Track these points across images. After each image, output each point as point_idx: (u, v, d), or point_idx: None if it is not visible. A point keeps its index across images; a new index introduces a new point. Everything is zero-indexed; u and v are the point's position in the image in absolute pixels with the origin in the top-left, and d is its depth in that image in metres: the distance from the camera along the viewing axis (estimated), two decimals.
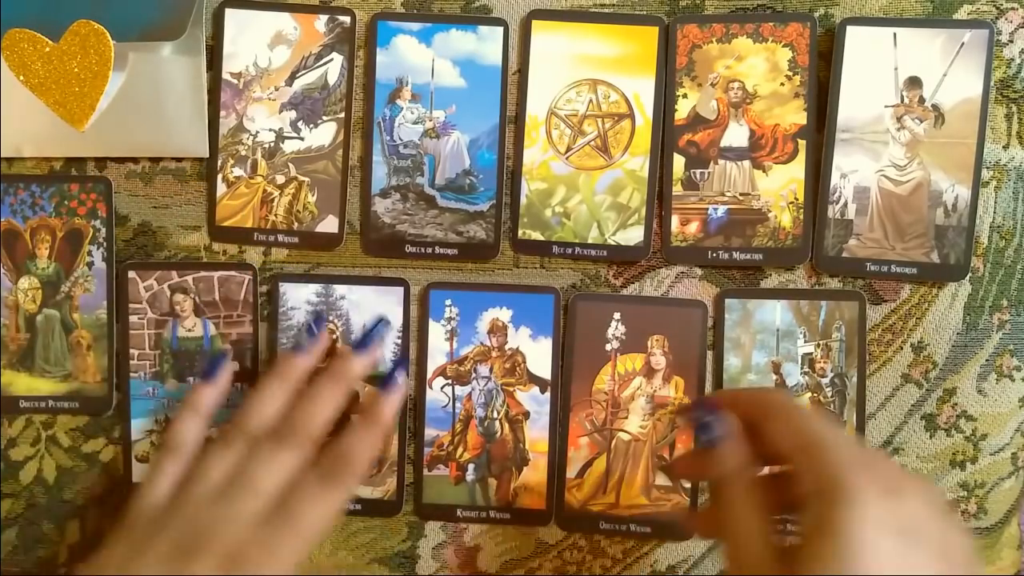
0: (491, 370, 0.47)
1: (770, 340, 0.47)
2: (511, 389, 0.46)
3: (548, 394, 0.46)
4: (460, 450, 0.47)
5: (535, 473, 0.46)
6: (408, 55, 0.47)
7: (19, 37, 0.46)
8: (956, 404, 0.48)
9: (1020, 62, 0.46)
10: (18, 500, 0.49)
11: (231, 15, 0.48)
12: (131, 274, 0.48)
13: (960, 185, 0.46)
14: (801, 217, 0.47)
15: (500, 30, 0.47)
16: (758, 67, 0.46)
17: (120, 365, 0.48)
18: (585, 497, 0.48)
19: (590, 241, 0.47)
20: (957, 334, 0.47)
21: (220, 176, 0.48)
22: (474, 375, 0.47)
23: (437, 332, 0.47)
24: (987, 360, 0.48)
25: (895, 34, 0.45)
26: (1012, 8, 0.46)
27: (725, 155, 0.47)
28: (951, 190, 0.46)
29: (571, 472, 0.48)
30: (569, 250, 0.47)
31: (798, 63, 0.46)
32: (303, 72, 0.48)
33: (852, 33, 0.45)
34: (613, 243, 0.47)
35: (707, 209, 0.47)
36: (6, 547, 0.49)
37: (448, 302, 0.46)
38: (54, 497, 0.49)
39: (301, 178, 0.48)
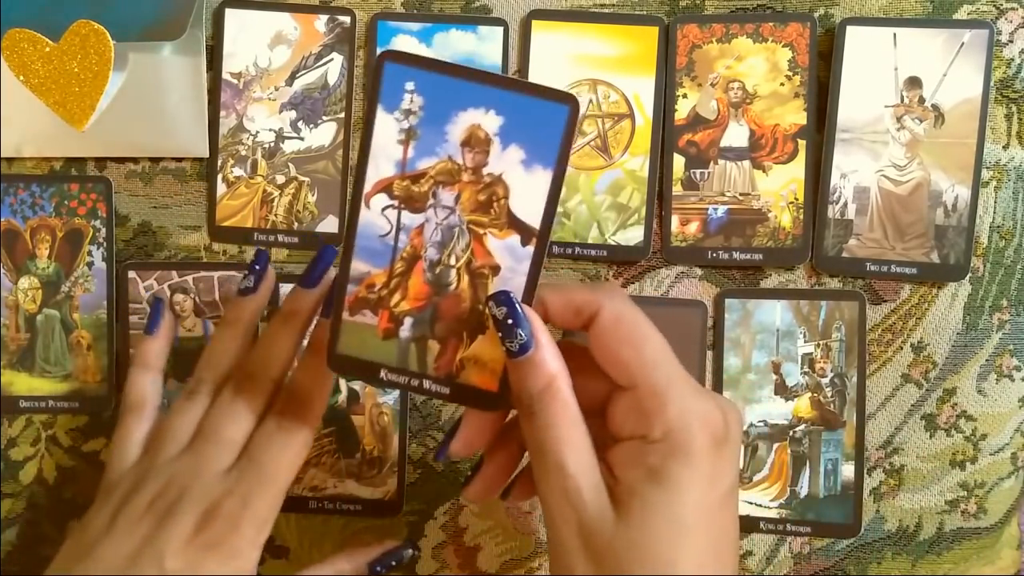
0: (457, 199, 0.33)
1: (770, 340, 0.47)
2: (481, 231, 0.33)
3: (531, 248, 0.33)
4: (397, 297, 0.35)
5: (492, 346, 0.33)
6: None
7: (19, 37, 0.46)
8: (956, 404, 0.48)
9: (1020, 62, 0.46)
10: (18, 500, 0.49)
11: (231, 15, 0.48)
12: (131, 274, 0.48)
13: (960, 185, 0.46)
14: (801, 217, 0.47)
15: (500, 30, 0.47)
16: (758, 67, 0.46)
17: (120, 365, 0.48)
18: None
19: (590, 241, 0.47)
20: (957, 334, 0.48)
21: (220, 176, 0.48)
22: (432, 201, 0.34)
23: (387, 127, 0.33)
24: (987, 360, 0.48)
25: (895, 34, 0.45)
26: (1012, 8, 0.46)
27: (725, 155, 0.47)
28: (951, 190, 0.46)
29: None
30: (569, 250, 0.47)
31: (798, 63, 0.46)
32: (303, 72, 0.48)
33: (852, 33, 0.45)
34: (613, 243, 0.47)
35: (707, 209, 0.47)
36: (6, 547, 0.49)
37: (410, 85, 0.32)
38: (54, 497, 0.49)
39: (301, 178, 0.48)
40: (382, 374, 0.35)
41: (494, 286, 0.33)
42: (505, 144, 0.32)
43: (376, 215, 0.34)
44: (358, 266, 0.34)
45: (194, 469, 0.36)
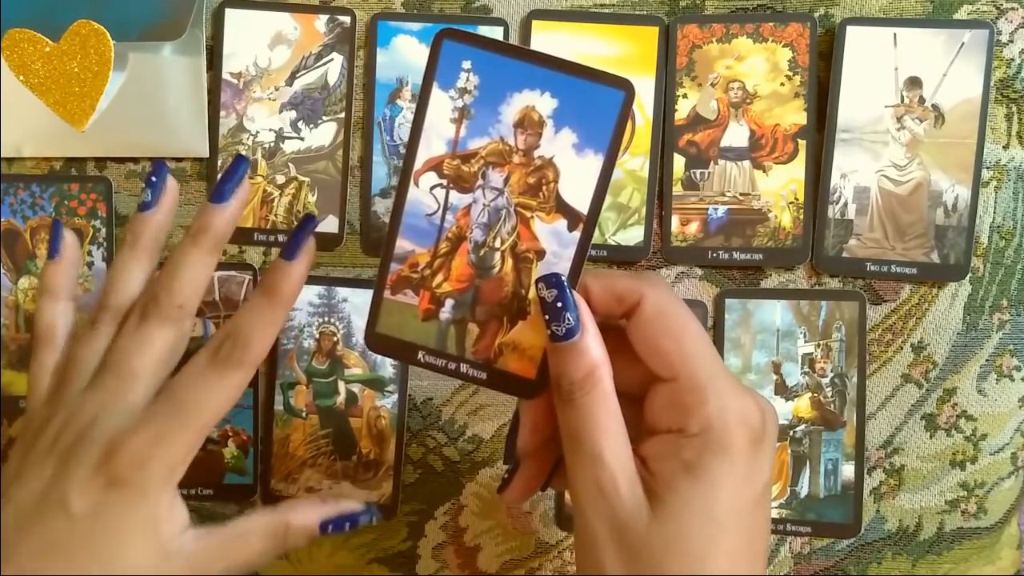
0: (506, 180, 0.33)
1: (770, 340, 0.47)
2: (529, 214, 0.33)
3: (578, 234, 0.32)
4: (439, 278, 0.34)
5: (532, 332, 0.33)
6: (408, 55, 0.47)
7: (19, 37, 0.46)
8: (956, 404, 0.48)
9: (1020, 62, 0.46)
10: None
11: (231, 15, 0.48)
12: None
13: (960, 185, 0.46)
14: (801, 217, 0.47)
15: (500, 30, 0.47)
16: (758, 67, 0.46)
17: None
18: None
19: None
20: (957, 334, 0.48)
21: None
22: (481, 182, 0.33)
23: (441, 105, 0.33)
24: (987, 360, 0.48)
25: (895, 34, 0.45)
26: (1012, 8, 0.46)
27: (725, 155, 0.47)
28: (951, 190, 0.46)
29: None
30: None
31: (798, 63, 0.46)
32: (303, 72, 0.48)
33: (852, 33, 0.45)
34: (613, 243, 0.47)
35: (707, 209, 0.47)
36: None
37: (467, 64, 0.32)
38: None
39: (301, 178, 0.48)
40: (420, 356, 0.34)
41: (538, 271, 0.33)
42: (558, 127, 0.32)
43: (424, 193, 0.33)
44: (403, 244, 0.34)
45: (99, 403, 0.33)
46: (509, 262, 0.34)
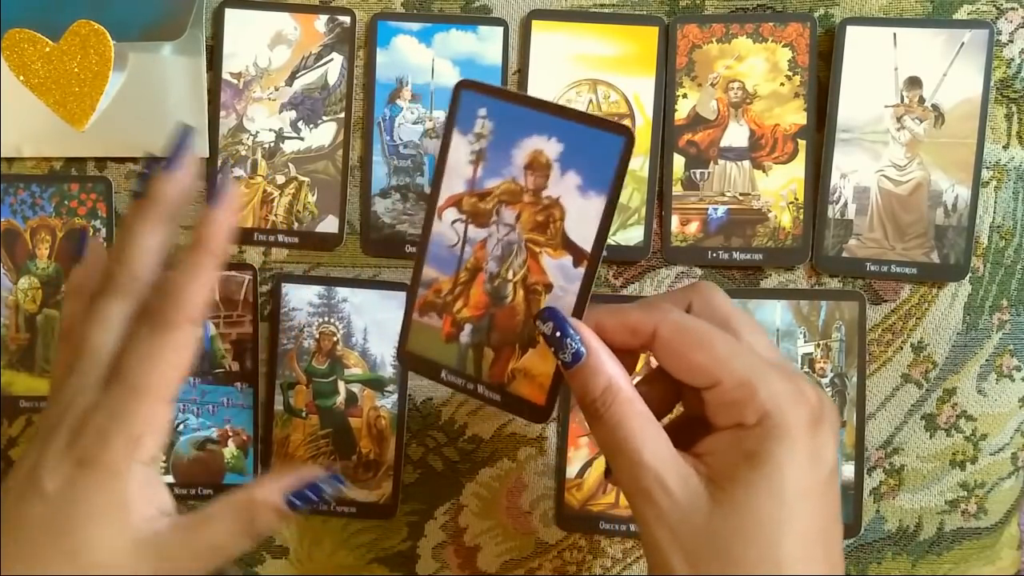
0: (517, 217, 0.36)
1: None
2: (538, 250, 0.35)
3: (582, 270, 0.34)
4: (459, 304, 0.37)
5: (541, 360, 0.36)
6: (408, 55, 0.47)
7: (19, 37, 0.46)
8: (956, 404, 0.48)
9: (1020, 62, 0.46)
10: None
11: (231, 15, 0.48)
12: None
13: (960, 185, 0.46)
14: (801, 217, 0.47)
15: (500, 30, 0.47)
16: (758, 67, 0.46)
17: None
18: (585, 497, 0.48)
19: None
20: (957, 334, 0.48)
21: (220, 176, 0.48)
22: (495, 218, 0.36)
23: (461, 148, 0.36)
24: (987, 360, 0.48)
25: (895, 34, 0.45)
26: (1012, 8, 0.46)
27: (725, 155, 0.47)
28: (951, 190, 0.46)
29: (571, 472, 0.48)
30: None
31: (798, 63, 0.46)
32: (303, 72, 0.48)
33: (852, 33, 0.45)
34: (613, 243, 0.47)
35: (707, 209, 0.47)
36: None
37: (483, 111, 0.35)
38: None
39: (301, 178, 0.48)
40: (443, 374, 0.38)
41: (546, 303, 0.35)
42: (564, 169, 0.34)
43: (446, 227, 0.37)
44: (428, 272, 0.37)
45: (75, 385, 0.33)
46: (520, 293, 0.36)
